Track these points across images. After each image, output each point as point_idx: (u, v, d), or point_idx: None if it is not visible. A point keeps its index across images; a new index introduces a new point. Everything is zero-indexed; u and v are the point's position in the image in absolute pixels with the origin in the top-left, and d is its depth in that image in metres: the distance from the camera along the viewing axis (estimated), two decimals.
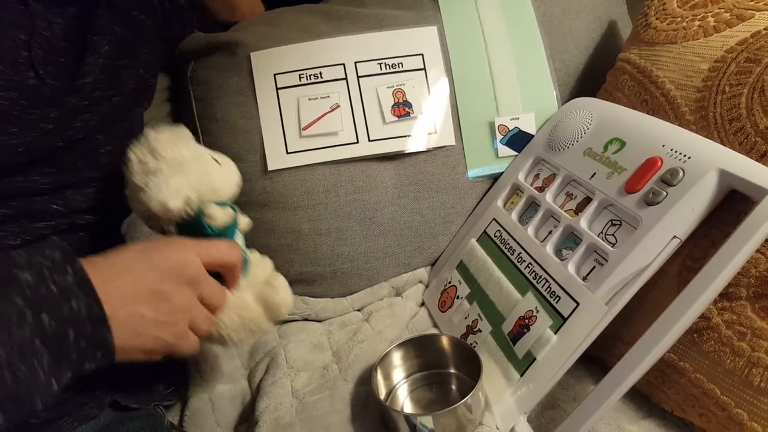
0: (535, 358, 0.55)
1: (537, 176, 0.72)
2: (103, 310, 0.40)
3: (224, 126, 0.77)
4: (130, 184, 0.52)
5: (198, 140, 0.79)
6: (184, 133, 0.55)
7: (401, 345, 0.63)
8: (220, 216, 0.53)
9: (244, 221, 0.61)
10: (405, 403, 0.62)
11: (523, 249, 0.64)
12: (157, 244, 0.47)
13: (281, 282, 0.57)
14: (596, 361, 0.60)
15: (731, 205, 0.50)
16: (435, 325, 0.73)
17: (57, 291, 0.38)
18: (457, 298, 0.70)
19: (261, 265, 0.61)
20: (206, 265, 0.48)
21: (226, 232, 0.54)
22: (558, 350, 0.54)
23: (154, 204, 0.49)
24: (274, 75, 0.77)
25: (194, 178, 0.52)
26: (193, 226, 0.53)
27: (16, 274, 0.38)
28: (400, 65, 0.78)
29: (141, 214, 0.54)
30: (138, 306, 0.43)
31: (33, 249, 0.40)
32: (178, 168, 0.51)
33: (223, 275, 0.52)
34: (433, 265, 0.81)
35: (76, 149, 0.55)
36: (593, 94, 0.75)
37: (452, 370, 0.63)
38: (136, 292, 0.43)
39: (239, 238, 0.57)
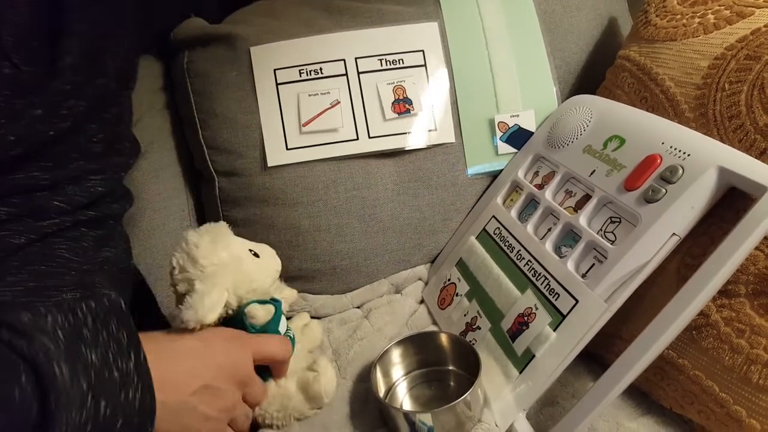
0: (534, 355, 0.55)
1: (536, 173, 0.72)
2: (154, 404, 0.40)
3: (224, 121, 0.77)
4: (174, 291, 0.55)
5: (197, 134, 0.79)
6: (223, 232, 0.57)
7: (400, 342, 0.63)
8: (260, 315, 0.56)
9: (289, 295, 0.66)
10: (404, 400, 0.62)
11: (523, 246, 0.64)
12: (216, 337, 0.49)
13: (323, 368, 0.59)
14: (595, 358, 0.60)
15: (730, 202, 0.50)
16: (434, 323, 0.73)
17: (118, 378, 0.38)
18: (457, 295, 0.70)
19: (306, 336, 0.67)
20: (257, 361, 0.51)
21: (269, 327, 0.57)
22: (557, 347, 0.54)
23: (193, 322, 0.50)
24: (274, 70, 0.77)
25: (233, 282, 0.55)
26: (236, 321, 0.55)
27: (84, 353, 0.37)
28: (401, 61, 0.78)
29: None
30: (190, 397, 0.44)
31: (100, 320, 0.40)
32: (217, 275, 0.53)
33: (271, 368, 0.55)
34: (432, 262, 0.81)
35: (68, 140, 0.54)
36: (593, 92, 0.75)
37: (451, 367, 0.63)
38: (191, 383, 0.44)
39: (282, 323, 0.59)
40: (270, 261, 0.62)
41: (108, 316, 0.41)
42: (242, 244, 0.59)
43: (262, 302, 0.57)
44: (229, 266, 0.55)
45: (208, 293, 0.51)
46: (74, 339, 0.38)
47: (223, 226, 0.58)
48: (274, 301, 0.59)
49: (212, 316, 0.51)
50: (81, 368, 0.36)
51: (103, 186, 0.57)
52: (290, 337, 0.60)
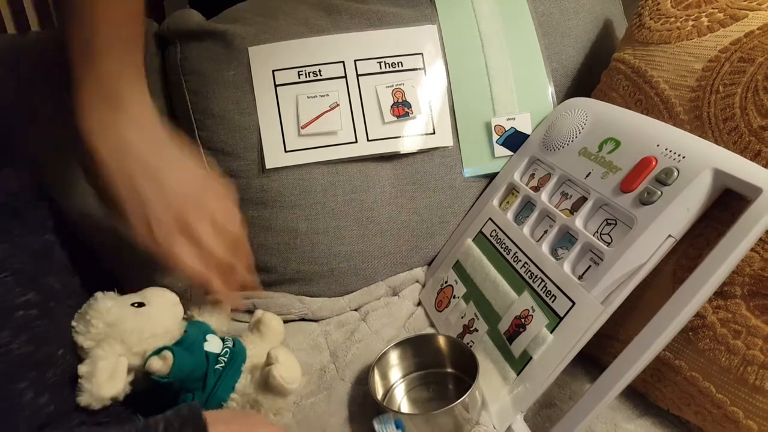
0: (531, 357, 0.55)
1: (532, 176, 0.72)
2: None
3: (221, 122, 0.77)
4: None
5: (193, 134, 0.78)
6: (95, 305, 0.52)
7: (398, 345, 0.63)
8: (157, 367, 0.51)
9: (219, 320, 0.61)
10: (402, 402, 0.62)
11: (519, 248, 0.64)
12: None
13: (275, 356, 0.55)
14: (592, 359, 0.60)
15: (726, 204, 0.50)
16: (432, 325, 0.73)
17: None
18: (454, 297, 0.70)
19: (264, 334, 0.63)
20: None
21: (182, 369, 0.52)
22: (554, 349, 0.54)
23: (95, 402, 0.48)
24: (273, 71, 0.76)
25: (122, 344, 0.51)
26: (165, 384, 0.52)
27: None
28: (400, 64, 0.78)
29: None
30: None
31: (177, 424, 0.38)
32: (102, 346, 0.50)
33: None
34: (429, 264, 0.81)
35: None
36: (589, 94, 0.75)
37: (449, 370, 0.63)
38: None
39: (213, 343, 0.56)
40: (160, 304, 0.56)
41: (189, 416, 0.39)
42: (121, 302, 0.54)
43: (159, 351, 0.52)
44: (109, 334, 0.51)
45: (100, 369, 0.48)
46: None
47: (96, 298, 0.53)
48: (192, 329, 0.56)
49: (113, 390, 0.48)
50: None
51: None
52: (230, 349, 0.57)
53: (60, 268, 0.54)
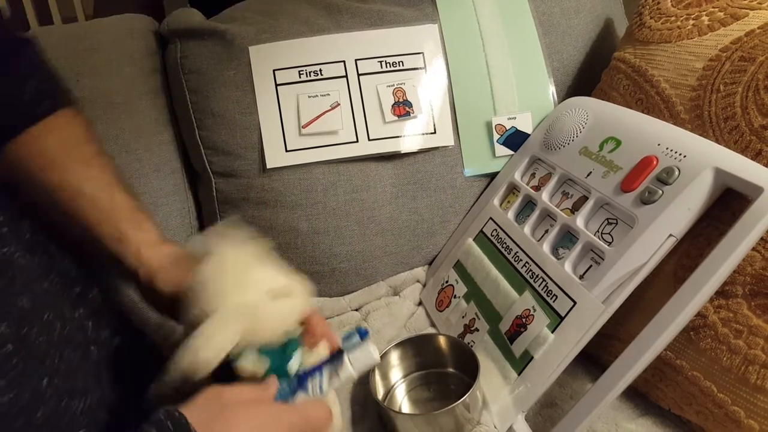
0: (532, 357, 0.55)
1: (533, 175, 0.72)
2: None
3: (222, 121, 0.77)
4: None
5: (194, 133, 0.78)
6: (247, 266, 0.49)
7: (399, 345, 0.63)
8: (248, 370, 0.48)
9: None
10: (403, 402, 0.62)
11: (520, 248, 0.64)
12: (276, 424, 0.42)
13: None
14: (593, 359, 0.60)
15: (727, 203, 0.50)
16: (432, 325, 0.73)
17: None
18: (455, 297, 0.70)
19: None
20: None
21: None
22: (555, 349, 0.54)
23: (194, 368, 0.44)
24: (273, 71, 0.76)
25: (244, 327, 0.47)
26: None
27: None
28: (401, 63, 0.78)
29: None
30: None
31: None
32: (228, 316, 0.46)
33: None
34: (430, 264, 0.81)
35: None
36: (590, 94, 0.75)
37: (450, 370, 0.63)
38: None
39: (294, 362, 0.51)
40: (290, 309, 0.51)
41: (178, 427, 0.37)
42: (262, 283, 0.50)
43: (263, 353, 0.49)
44: (241, 311, 0.47)
45: (213, 335, 0.45)
46: None
47: (251, 255, 0.50)
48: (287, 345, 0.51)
49: (212, 364, 0.45)
50: None
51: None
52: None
53: (24, 278, 0.44)
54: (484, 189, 0.79)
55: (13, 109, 0.51)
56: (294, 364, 0.51)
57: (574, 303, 0.54)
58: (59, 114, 0.53)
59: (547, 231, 0.63)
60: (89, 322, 0.48)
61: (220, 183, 0.78)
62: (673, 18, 0.67)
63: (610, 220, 0.57)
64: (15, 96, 0.51)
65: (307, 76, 0.77)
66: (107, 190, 0.52)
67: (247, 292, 0.48)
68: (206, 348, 0.44)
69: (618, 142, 0.61)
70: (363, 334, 0.49)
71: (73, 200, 0.51)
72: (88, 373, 0.46)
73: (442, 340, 0.63)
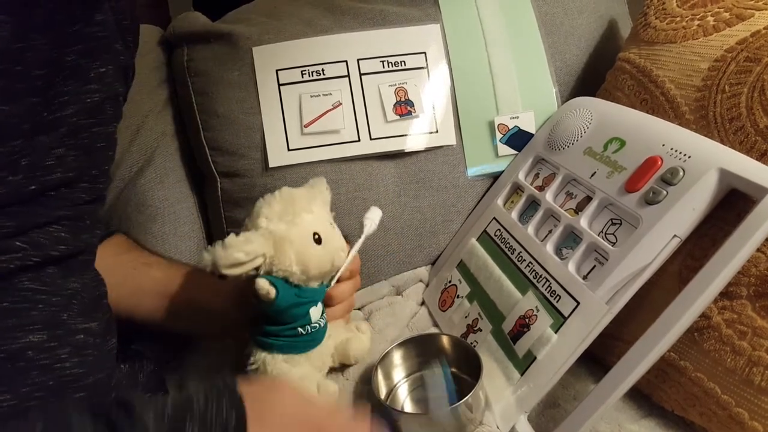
0: (535, 357, 0.55)
1: (537, 175, 0.72)
2: None
3: (225, 122, 0.77)
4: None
5: (199, 135, 0.79)
6: (299, 203, 0.56)
7: (401, 344, 0.63)
8: (265, 292, 0.53)
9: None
10: (405, 402, 0.62)
11: (524, 248, 0.64)
12: (303, 423, 0.44)
13: (357, 332, 0.66)
14: (597, 360, 0.60)
15: (731, 204, 0.50)
16: (435, 324, 0.73)
17: None
18: (458, 297, 0.70)
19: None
20: None
21: (280, 308, 0.55)
22: (558, 349, 0.54)
23: (221, 264, 0.51)
24: (276, 71, 0.77)
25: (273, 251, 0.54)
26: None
27: (186, 429, 0.37)
28: (403, 63, 0.78)
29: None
30: None
31: (215, 392, 0.40)
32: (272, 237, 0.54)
33: None
34: (433, 263, 0.81)
35: (51, 192, 0.45)
36: (594, 94, 0.75)
37: (453, 370, 0.63)
38: None
39: (315, 311, 0.58)
40: (331, 251, 0.57)
41: (224, 388, 0.40)
42: (309, 224, 0.56)
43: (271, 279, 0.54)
44: (276, 241, 0.54)
45: (252, 239, 0.52)
46: (182, 414, 0.38)
47: (303, 196, 0.57)
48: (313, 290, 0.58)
49: (237, 269, 0.51)
50: None
51: (70, 231, 0.47)
52: (318, 327, 0.58)
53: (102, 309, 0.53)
54: (487, 189, 0.79)
55: None
56: (314, 312, 0.58)
57: (578, 303, 0.54)
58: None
59: (550, 231, 0.63)
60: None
61: (225, 183, 0.78)
62: (678, 18, 0.66)
63: (614, 221, 0.57)
64: None
65: (309, 76, 0.77)
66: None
67: (294, 227, 0.55)
68: (236, 247, 0.51)
69: (622, 143, 0.60)
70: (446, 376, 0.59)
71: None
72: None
73: (444, 340, 0.63)
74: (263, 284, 0.53)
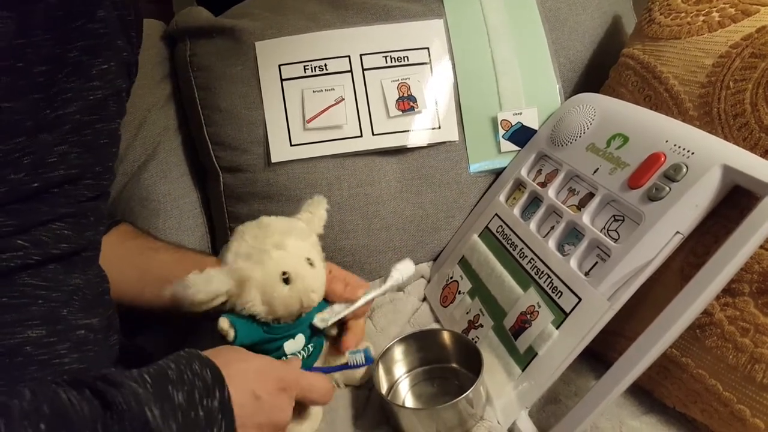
0: (536, 353, 0.55)
1: (539, 172, 0.72)
2: None
3: (228, 116, 0.77)
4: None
5: (201, 130, 0.79)
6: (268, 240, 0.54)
7: (402, 340, 0.63)
8: (223, 328, 0.52)
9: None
10: (406, 397, 0.62)
11: (525, 244, 0.64)
12: (263, 377, 0.47)
13: None
14: (598, 356, 0.60)
15: (735, 201, 0.50)
16: (437, 320, 0.73)
17: (203, 416, 0.39)
18: (459, 293, 0.70)
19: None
20: (297, 398, 0.49)
21: (243, 344, 0.53)
22: (560, 345, 0.54)
23: (189, 299, 0.50)
24: (279, 66, 0.77)
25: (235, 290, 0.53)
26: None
27: (171, 393, 0.38)
28: (406, 59, 0.78)
29: None
30: None
31: (184, 360, 0.41)
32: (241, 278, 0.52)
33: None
34: (435, 260, 0.81)
35: (54, 189, 0.45)
36: (597, 90, 0.75)
37: (453, 365, 0.63)
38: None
39: (294, 344, 0.57)
40: (302, 290, 0.54)
41: (191, 355, 0.42)
42: (279, 263, 0.53)
43: (231, 318, 0.53)
44: (242, 278, 0.52)
45: (212, 279, 0.50)
46: (161, 380, 0.39)
47: (279, 229, 0.55)
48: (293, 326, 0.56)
49: (199, 307, 0.50)
50: (169, 410, 0.37)
51: (73, 228, 0.47)
52: (300, 355, 0.57)
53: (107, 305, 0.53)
54: (490, 185, 0.79)
55: None
56: (291, 345, 0.56)
57: (579, 300, 0.54)
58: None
59: (553, 227, 0.62)
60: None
61: (227, 178, 0.79)
62: (682, 14, 0.66)
63: (616, 217, 0.57)
64: None
65: (312, 71, 0.77)
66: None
67: (260, 265, 0.53)
68: (197, 286, 0.50)
69: (625, 139, 0.60)
70: (367, 356, 0.56)
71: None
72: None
73: (445, 336, 0.63)
74: (222, 324, 0.52)
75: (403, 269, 0.60)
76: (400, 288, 0.58)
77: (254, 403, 0.45)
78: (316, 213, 0.61)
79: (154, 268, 0.62)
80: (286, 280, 0.53)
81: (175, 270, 0.57)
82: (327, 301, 0.60)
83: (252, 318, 0.54)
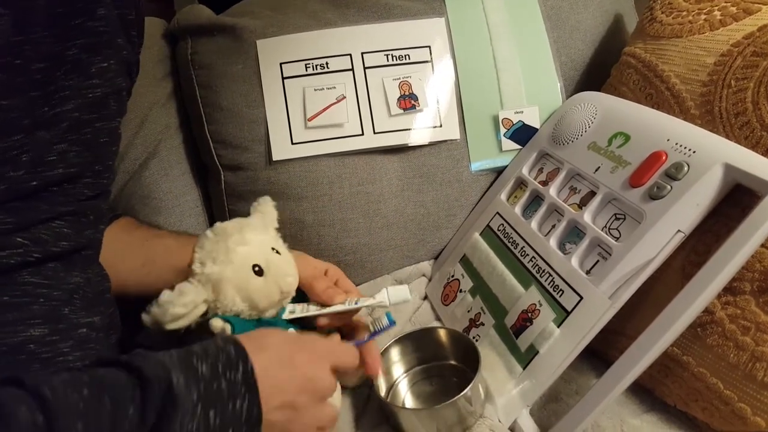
0: (537, 352, 0.55)
1: (541, 170, 0.71)
2: (261, 413, 0.41)
3: (229, 115, 0.77)
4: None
5: (203, 128, 0.79)
6: (234, 237, 0.54)
7: (400, 340, 0.63)
8: (218, 327, 0.52)
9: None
10: (406, 397, 0.62)
11: (527, 243, 0.64)
12: (302, 348, 0.47)
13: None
14: (599, 355, 0.60)
15: (736, 199, 0.50)
16: (438, 319, 0.73)
17: (226, 388, 0.39)
18: (460, 291, 0.70)
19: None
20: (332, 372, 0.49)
21: None
22: (561, 344, 0.54)
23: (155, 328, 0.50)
24: (281, 64, 0.77)
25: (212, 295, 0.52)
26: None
27: (195, 364, 0.39)
28: (407, 57, 0.78)
29: None
30: (274, 412, 0.43)
31: (209, 343, 0.42)
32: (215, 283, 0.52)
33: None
34: (436, 258, 0.81)
35: (54, 188, 0.45)
36: (599, 89, 0.75)
37: (452, 363, 0.63)
38: (276, 398, 0.43)
39: None
40: (276, 278, 0.54)
41: (214, 339, 0.42)
42: (247, 258, 0.53)
43: (226, 317, 0.53)
44: (216, 281, 0.52)
45: (178, 306, 0.49)
46: (185, 353, 0.40)
47: (235, 228, 0.55)
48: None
49: (180, 322, 0.50)
50: (192, 378, 0.38)
51: (72, 227, 0.47)
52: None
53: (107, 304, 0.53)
54: (491, 183, 0.79)
55: None
56: None
57: (581, 298, 0.54)
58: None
59: (554, 226, 0.62)
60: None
61: (229, 176, 0.79)
62: (684, 13, 0.66)
63: (617, 216, 0.57)
64: None
65: (313, 69, 0.77)
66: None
67: (229, 265, 0.53)
68: (172, 301, 0.49)
69: (627, 137, 0.60)
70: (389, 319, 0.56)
71: None
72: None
73: (442, 334, 0.63)
74: (216, 323, 0.51)
75: (394, 293, 0.57)
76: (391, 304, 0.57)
77: (291, 371, 0.45)
78: (265, 212, 0.60)
79: (159, 253, 0.61)
80: (259, 272, 0.53)
81: (179, 255, 0.57)
82: (307, 298, 0.60)
83: (238, 316, 0.54)
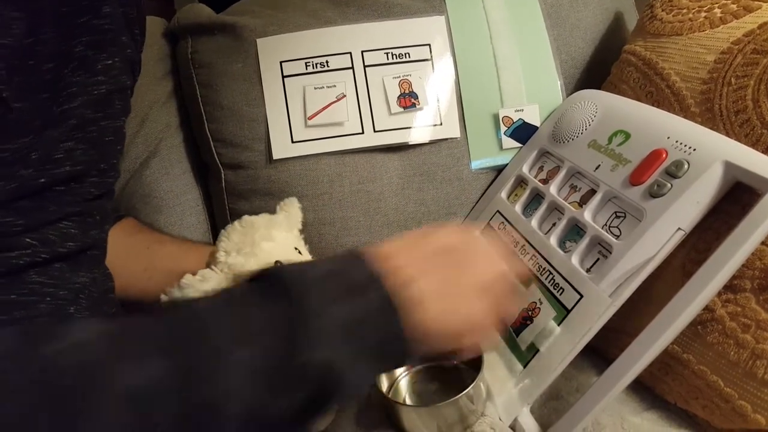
0: (538, 350, 0.55)
1: (541, 168, 0.71)
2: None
3: (230, 113, 0.77)
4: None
5: (203, 126, 0.79)
6: (259, 233, 0.54)
7: None
8: None
9: None
10: (407, 394, 0.62)
11: (527, 241, 0.64)
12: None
13: None
14: (599, 353, 0.60)
15: (736, 197, 0.50)
16: None
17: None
18: None
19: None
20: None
21: None
22: (561, 342, 0.54)
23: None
24: (281, 62, 0.77)
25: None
26: None
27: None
28: (407, 55, 0.78)
29: None
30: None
31: None
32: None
33: None
34: None
35: (61, 186, 0.45)
36: (599, 87, 0.75)
37: (454, 362, 0.63)
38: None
39: None
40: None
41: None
42: (270, 254, 0.54)
43: None
44: (245, 274, 0.52)
45: (208, 278, 0.50)
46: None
47: (262, 223, 0.55)
48: None
49: None
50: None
51: (79, 227, 0.47)
52: None
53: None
54: (491, 182, 0.79)
55: None
56: None
57: (581, 296, 0.54)
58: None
59: (554, 224, 0.62)
60: None
61: (229, 174, 0.79)
62: (684, 10, 0.66)
63: (618, 214, 0.57)
64: None
65: (313, 67, 0.77)
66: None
67: (253, 258, 0.53)
68: (193, 286, 0.50)
69: (627, 135, 0.60)
70: None
71: None
72: None
73: None
74: None
75: None
76: None
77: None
78: (291, 212, 0.60)
79: (161, 260, 0.62)
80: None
81: (181, 262, 0.58)
82: None
83: None
